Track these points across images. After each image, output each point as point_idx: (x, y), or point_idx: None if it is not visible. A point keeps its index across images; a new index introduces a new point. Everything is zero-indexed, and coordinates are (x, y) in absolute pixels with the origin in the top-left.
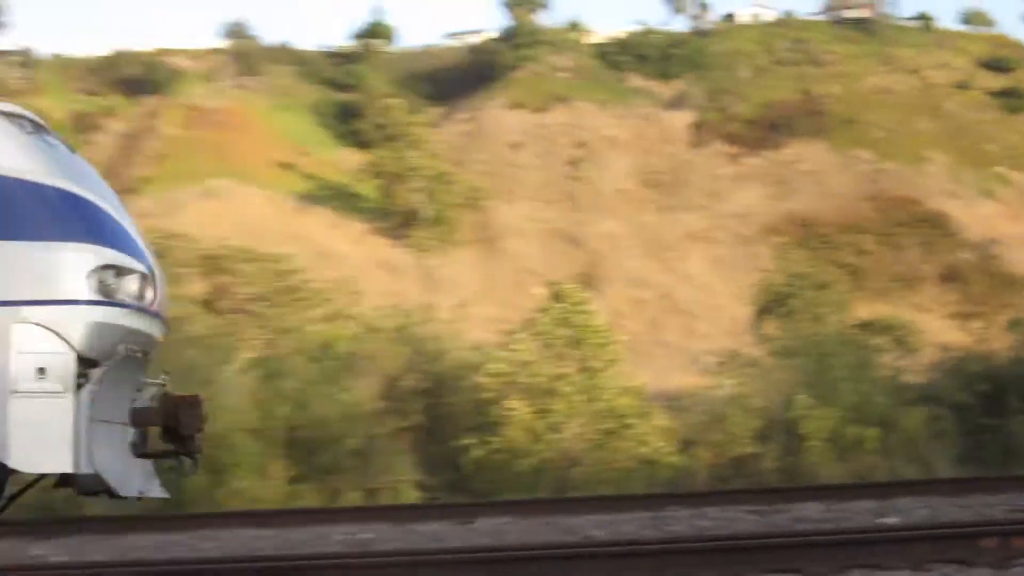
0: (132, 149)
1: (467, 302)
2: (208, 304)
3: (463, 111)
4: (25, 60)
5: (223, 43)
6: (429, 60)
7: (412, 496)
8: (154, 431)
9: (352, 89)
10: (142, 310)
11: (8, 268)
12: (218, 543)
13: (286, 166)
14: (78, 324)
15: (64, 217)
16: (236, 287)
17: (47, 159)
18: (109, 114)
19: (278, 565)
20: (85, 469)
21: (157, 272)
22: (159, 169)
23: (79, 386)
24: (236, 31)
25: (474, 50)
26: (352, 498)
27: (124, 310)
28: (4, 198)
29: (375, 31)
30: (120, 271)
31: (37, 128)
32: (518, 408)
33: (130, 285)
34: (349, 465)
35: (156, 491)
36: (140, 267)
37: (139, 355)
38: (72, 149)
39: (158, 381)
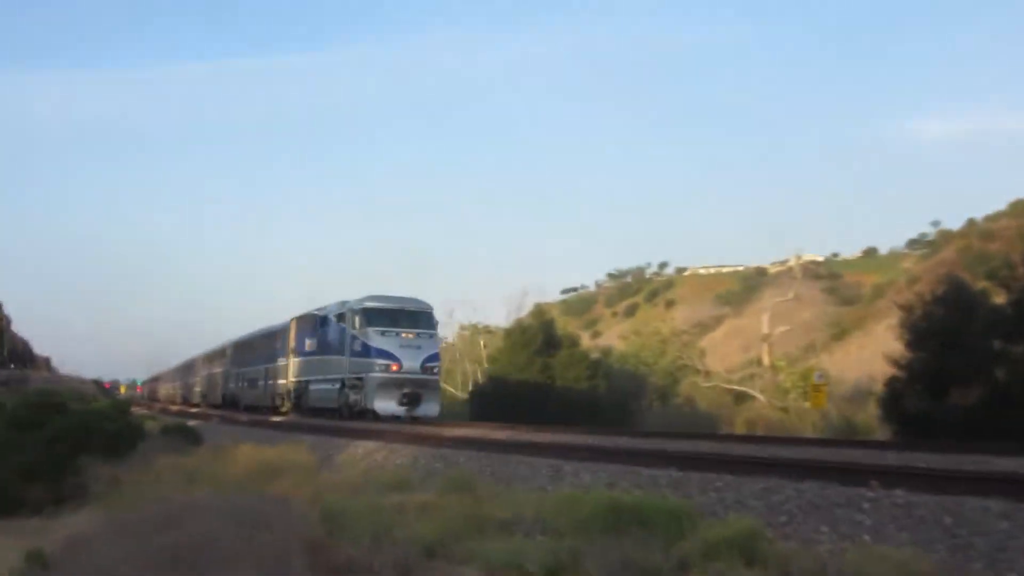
0: None
1: None
2: None
3: None
4: None
5: None
6: None
7: None
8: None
9: None
10: (395, 373)
11: (365, 365)
12: None
13: None
14: (377, 377)
15: (373, 351)
16: None
17: (375, 335)
18: None
19: None
20: (374, 407)
21: (405, 363)
22: None
23: (375, 388)
24: None
25: None
26: None
27: (386, 373)
28: (366, 347)
29: None
30: (385, 365)
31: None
32: None
33: (390, 367)
34: None
35: (401, 414)
36: (394, 363)
37: (389, 383)
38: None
39: (406, 389)
